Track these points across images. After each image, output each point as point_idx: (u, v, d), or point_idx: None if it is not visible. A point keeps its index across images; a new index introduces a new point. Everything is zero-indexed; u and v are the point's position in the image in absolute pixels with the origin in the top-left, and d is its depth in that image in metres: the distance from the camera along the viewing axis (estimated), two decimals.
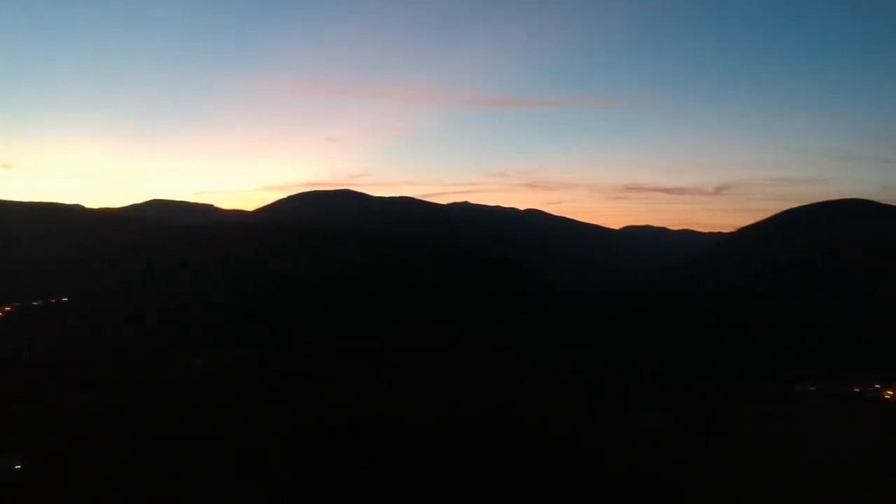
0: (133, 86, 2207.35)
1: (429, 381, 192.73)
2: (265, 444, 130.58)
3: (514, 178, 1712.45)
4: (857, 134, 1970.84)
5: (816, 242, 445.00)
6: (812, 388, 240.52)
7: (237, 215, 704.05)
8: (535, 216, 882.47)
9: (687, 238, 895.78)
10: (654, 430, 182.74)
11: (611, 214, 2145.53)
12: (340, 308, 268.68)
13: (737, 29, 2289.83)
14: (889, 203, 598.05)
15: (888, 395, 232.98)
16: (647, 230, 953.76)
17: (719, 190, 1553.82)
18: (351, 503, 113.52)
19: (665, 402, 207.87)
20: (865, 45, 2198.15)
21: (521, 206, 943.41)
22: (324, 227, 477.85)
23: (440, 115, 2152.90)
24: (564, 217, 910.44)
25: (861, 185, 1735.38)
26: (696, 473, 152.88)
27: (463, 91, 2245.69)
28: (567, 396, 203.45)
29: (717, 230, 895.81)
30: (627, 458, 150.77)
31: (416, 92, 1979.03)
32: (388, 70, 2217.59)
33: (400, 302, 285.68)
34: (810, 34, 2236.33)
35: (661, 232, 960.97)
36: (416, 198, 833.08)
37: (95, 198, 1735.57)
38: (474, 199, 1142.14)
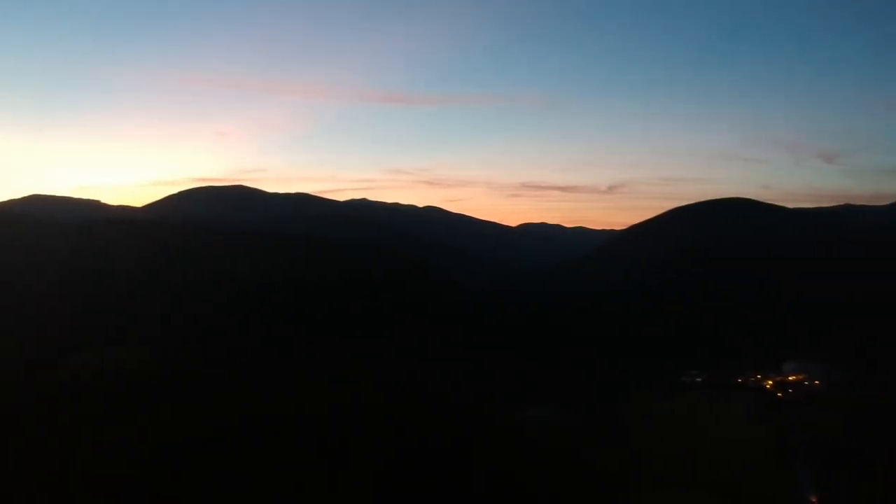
0: (13, 76, 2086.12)
1: (316, 383, 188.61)
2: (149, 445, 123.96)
3: (412, 175, 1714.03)
4: (740, 135, 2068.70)
5: (701, 239, 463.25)
6: (698, 380, 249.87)
7: (124, 211, 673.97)
8: (433, 213, 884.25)
9: (581, 236, 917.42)
10: (547, 424, 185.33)
11: (508, 212, 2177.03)
12: (229, 307, 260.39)
13: (628, 30, 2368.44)
14: (769, 202, 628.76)
15: (768, 384, 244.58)
16: (542, 227, 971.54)
17: (611, 189, 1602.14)
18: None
19: (559, 398, 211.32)
20: (750, 48, 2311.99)
21: (420, 204, 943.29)
22: (215, 223, 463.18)
23: (336, 111, 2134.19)
24: (462, 214, 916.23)
25: (743, 185, 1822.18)
26: (587, 465, 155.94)
27: (360, 87, 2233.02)
28: (463, 393, 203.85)
29: (609, 227, 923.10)
30: (522, 452, 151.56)
31: (312, 87, 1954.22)
32: (283, 64, 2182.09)
33: (292, 301, 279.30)
34: (695, 37, 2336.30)
35: (557, 229, 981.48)
36: (313, 194, 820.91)
37: None
38: (372, 195, 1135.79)
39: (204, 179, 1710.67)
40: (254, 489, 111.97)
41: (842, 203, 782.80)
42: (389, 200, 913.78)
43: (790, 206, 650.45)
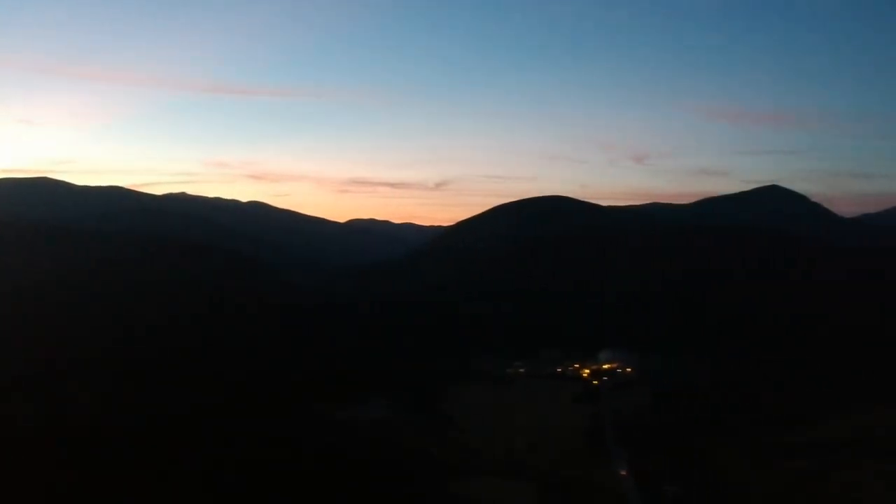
0: None
1: (133, 384, 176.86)
2: None
3: (235, 168, 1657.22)
4: (560, 136, 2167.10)
5: (524, 235, 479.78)
6: (521, 371, 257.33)
7: None
8: (258, 209, 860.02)
9: (410, 232, 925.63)
10: (375, 420, 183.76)
11: (336, 208, 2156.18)
12: (27, 307, 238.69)
13: (456, 29, 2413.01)
14: (586, 199, 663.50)
15: (585, 373, 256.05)
16: (371, 224, 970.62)
17: (439, 185, 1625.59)
18: None
19: (388, 393, 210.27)
20: (568, 52, 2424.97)
21: (243, 199, 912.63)
22: (14, 218, 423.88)
23: (154, 100, 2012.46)
24: (289, 210, 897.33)
25: (563, 183, 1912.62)
26: (414, 456, 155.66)
27: (180, 75, 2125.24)
28: (291, 391, 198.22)
29: (437, 224, 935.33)
30: (352, 449, 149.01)
31: (128, 74, 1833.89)
32: (95, 49, 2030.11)
33: (107, 302, 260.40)
34: (519, 38, 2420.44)
35: (386, 225, 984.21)
36: (127, 187, 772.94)
37: None
38: (192, 189, 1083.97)
39: (6, 170, 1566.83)
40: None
41: (651, 201, 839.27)
42: (211, 195, 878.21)
43: (605, 203, 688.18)
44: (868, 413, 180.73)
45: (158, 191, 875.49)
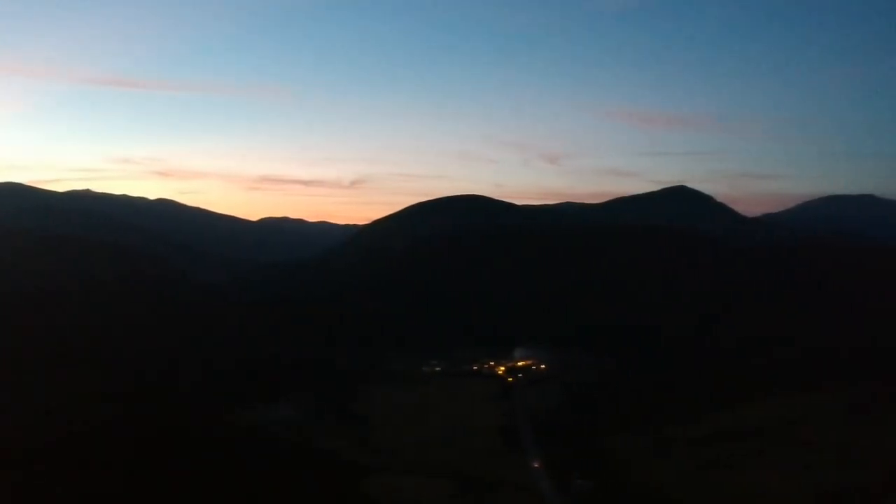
0: None
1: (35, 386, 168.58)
2: None
3: (141, 165, 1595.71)
4: (475, 136, 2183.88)
5: (440, 233, 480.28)
6: (438, 369, 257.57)
7: None
8: (166, 207, 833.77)
9: (324, 230, 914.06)
10: (283, 421, 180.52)
11: (248, 206, 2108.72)
12: None
13: (368, 26, 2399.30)
14: (501, 198, 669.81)
15: (500, 370, 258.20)
16: (284, 222, 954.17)
17: (354, 184, 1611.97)
18: None
19: (298, 393, 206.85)
20: (483, 52, 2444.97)
21: (151, 196, 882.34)
22: None
23: (55, 93, 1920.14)
24: (199, 208, 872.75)
25: (478, 182, 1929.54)
26: (329, 457, 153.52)
27: (82, 68, 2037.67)
28: (194, 394, 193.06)
29: (352, 222, 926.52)
30: (264, 451, 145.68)
31: (27, 65, 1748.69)
32: None
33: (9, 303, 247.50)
34: (433, 37, 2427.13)
35: (299, 224, 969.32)
36: (25, 184, 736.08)
37: None
38: (96, 186, 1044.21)
39: None
40: None
41: (563, 201, 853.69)
42: (117, 192, 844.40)
43: (519, 202, 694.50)
44: (764, 404, 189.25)
45: (60, 188, 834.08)
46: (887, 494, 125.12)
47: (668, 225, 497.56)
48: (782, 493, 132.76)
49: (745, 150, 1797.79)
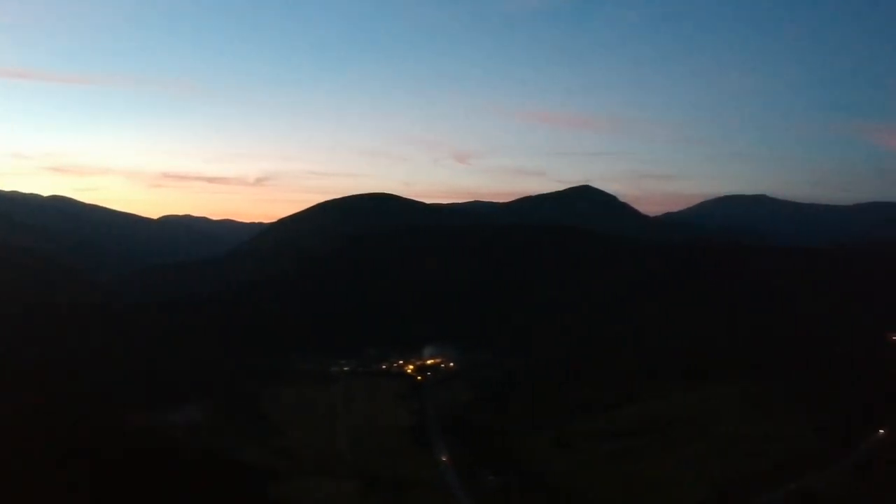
0: None
1: None
2: None
3: (34, 160, 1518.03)
4: (384, 134, 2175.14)
5: (350, 232, 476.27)
6: (346, 369, 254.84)
7: None
8: (61, 204, 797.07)
9: (228, 228, 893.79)
10: (188, 425, 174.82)
11: (149, 203, 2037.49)
12: None
13: (275, 21, 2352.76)
14: (410, 197, 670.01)
15: (409, 369, 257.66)
16: (187, 220, 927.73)
17: (260, 181, 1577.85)
18: None
19: (204, 396, 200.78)
20: (391, 51, 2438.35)
21: (44, 192, 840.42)
22: None
23: None
24: (96, 205, 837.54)
25: (387, 180, 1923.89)
26: (235, 461, 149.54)
27: None
28: (95, 398, 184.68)
29: (258, 220, 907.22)
30: (169, 457, 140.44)
31: None
32: None
33: None
34: (341, 33, 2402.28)
35: (202, 222, 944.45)
36: None
37: None
38: None
39: None
40: None
41: (472, 199, 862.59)
42: (6, 188, 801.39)
43: (428, 201, 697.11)
44: (662, 398, 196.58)
45: None
46: (779, 481, 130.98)
47: (573, 224, 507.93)
48: (681, 482, 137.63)
49: (647, 151, 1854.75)
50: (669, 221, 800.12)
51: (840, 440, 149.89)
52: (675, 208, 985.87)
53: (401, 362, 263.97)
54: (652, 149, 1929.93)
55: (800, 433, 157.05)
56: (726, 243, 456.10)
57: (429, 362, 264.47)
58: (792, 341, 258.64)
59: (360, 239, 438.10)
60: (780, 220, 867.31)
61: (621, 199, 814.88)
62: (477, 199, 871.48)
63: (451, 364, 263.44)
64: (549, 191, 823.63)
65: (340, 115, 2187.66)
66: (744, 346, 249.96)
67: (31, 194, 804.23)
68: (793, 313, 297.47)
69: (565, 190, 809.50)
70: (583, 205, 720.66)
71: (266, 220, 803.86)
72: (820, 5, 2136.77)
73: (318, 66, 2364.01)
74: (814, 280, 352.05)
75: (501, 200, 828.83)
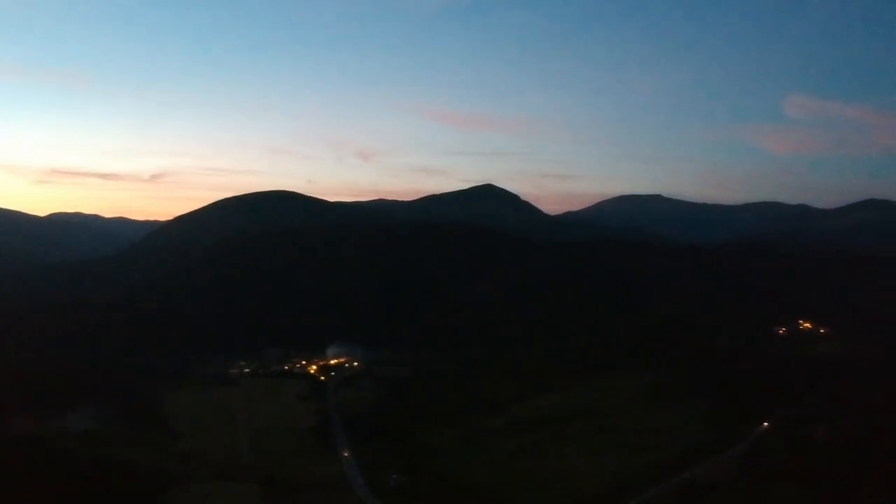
0: None
1: None
2: None
3: None
4: (286, 130, 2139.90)
5: (250, 230, 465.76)
6: (247, 371, 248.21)
7: None
8: None
9: (122, 226, 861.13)
10: (79, 432, 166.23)
11: (36, 200, 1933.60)
12: None
13: (176, 12, 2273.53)
14: (313, 195, 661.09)
15: (312, 369, 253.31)
16: (77, 217, 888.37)
17: (155, 177, 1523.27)
18: None
19: (96, 401, 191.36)
20: (297, 42, 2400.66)
21: None
22: None
23: None
24: None
25: (290, 178, 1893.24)
26: (129, 467, 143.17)
27: None
28: None
29: (153, 219, 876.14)
30: (47, 467, 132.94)
31: None
32: None
33: None
34: (241, 26, 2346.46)
35: (94, 220, 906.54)
36: None
37: None
38: None
39: None
40: None
41: (377, 198, 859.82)
42: None
43: (332, 199, 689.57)
44: (565, 392, 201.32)
45: None
46: (674, 472, 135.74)
47: (477, 223, 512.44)
48: (583, 475, 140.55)
49: (548, 152, 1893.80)
50: (570, 220, 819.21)
51: (729, 431, 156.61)
52: (575, 207, 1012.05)
53: (303, 363, 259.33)
54: (553, 149, 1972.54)
55: (693, 425, 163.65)
56: (624, 242, 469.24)
57: (332, 362, 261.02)
58: (685, 336, 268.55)
59: (260, 237, 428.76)
60: (673, 219, 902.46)
61: (523, 198, 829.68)
62: (381, 197, 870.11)
63: (356, 363, 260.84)
64: (452, 190, 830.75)
65: (240, 111, 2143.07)
66: (641, 342, 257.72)
67: None
68: (686, 309, 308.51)
69: (469, 189, 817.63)
70: (486, 204, 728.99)
71: (162, 218, 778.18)
72: (711, 13, 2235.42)
73: (217, 60, 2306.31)
74: (705, 276, 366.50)
75: (405, 199, 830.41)
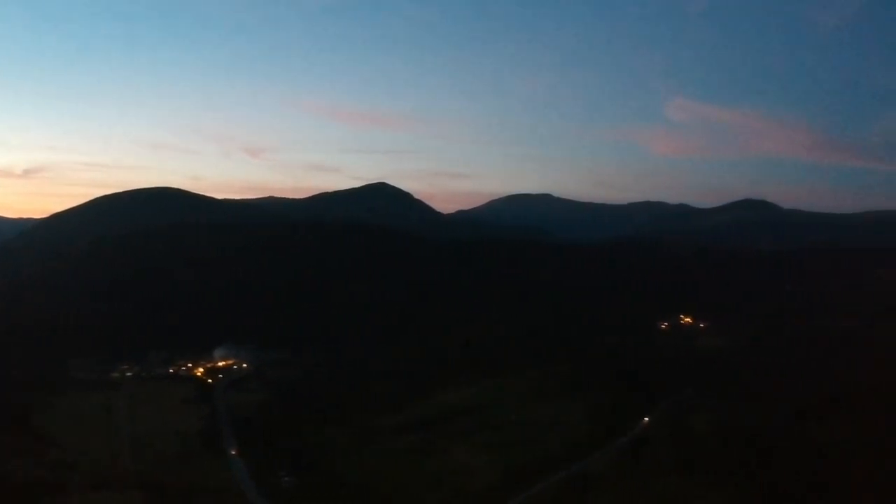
0: None
1: None
2: None
3: None
4: (169, 125, 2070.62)
5: (131, 228, 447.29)
6: (129, 374, 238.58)
7: None
8: None
9: None
10: None
11: None
12: None
13: (75, 3, 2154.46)
14: (199, 192, 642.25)
15: (199, 372, 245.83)
16: None
17: (28, 173, 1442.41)
18: None
19: None
20: (183, 36, 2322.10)
21: None
22: None
23: None
24: None
25: (173, 174, 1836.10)
26: (5, 478, 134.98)
27: None
28: None
29: (26, 216, 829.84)
30: None
31: None
32: None
33: None
34: (123, 16, 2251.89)
35: None
36: None
37: None
38: None
39: None
40: None
41: (266, 195, 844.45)
42: None
43: (219, 196, 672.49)
44: (458, 390, 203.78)
45: None
46: (561, 464, 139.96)
47: (371, 221, 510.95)
48: (474, 470, 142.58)
49: (440, 150, 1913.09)
50: (463, 219, 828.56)
51: (615, 424, 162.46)
52: (467, 206, 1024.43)
53: (190, 365, 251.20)
54: (445, 148, 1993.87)
55: (578, 419, 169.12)
56: (516, 240, 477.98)
57: (220, 364, 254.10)
58: (573, 332, 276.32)
59: (143, 236, 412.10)
60: (563, 218, 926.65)
61: (417, 196, 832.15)
62: (271, 195, 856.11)
63: (245, 365, 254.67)
64: (345, 188, 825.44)
65: (121, 104, 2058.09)
66: (531, 338, 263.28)
67: None
68: (574, 305, 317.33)
69: (362, 187, 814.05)
70: (379, 202, 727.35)
71: (37, 216, 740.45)
72: (600, 17, 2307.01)
73: (95, 49, 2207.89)
74: (593, 274, 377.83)
75: (297, 197, 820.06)
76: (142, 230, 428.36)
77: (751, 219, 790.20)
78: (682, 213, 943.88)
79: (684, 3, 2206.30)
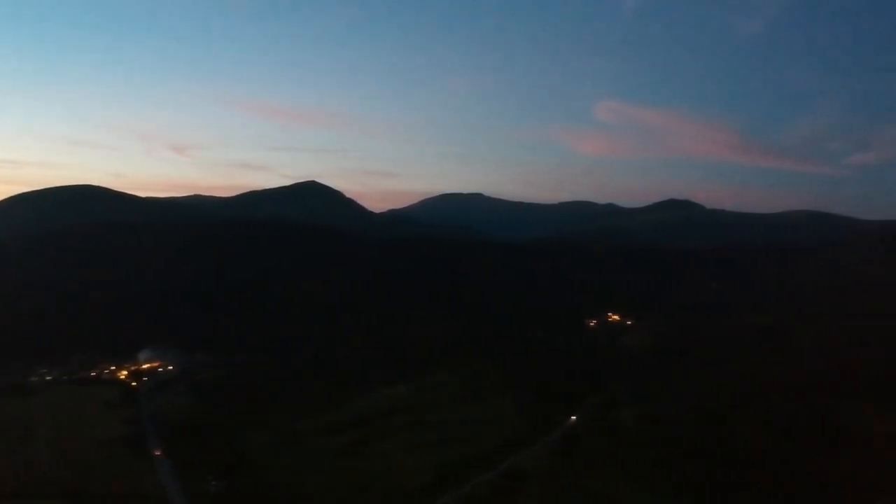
0: None
1: None
2: None
3: None
4: (89, 121, 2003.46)
5: (48, 228, 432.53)
6: (49, 378, 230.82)
7: None
8: None
9: None
10: None
11: None
12: None
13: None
14: (121, 190, 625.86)
15: (122, 375, 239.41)
16: None
17: None
18: None
19: None
20: (104, 29, 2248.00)
21: None
22: None
23: None
24: None
25: (92, 172, 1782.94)
26: None
27: None
28: None
29: None
30: None
31: None
32: None
33: None
34: (39, 6, 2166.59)
35: None
36: None
37: None
38: None
39: None
40: None
41: (192, 193, 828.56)
42: None
43: (143, 194, 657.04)
44: (385, 390, 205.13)
45: None
46: (491, 462, 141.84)
47: (300, 220, 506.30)
48: (404, 470, 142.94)
49: (371, 149, 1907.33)
50: (395, 218, 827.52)
51: (545, 421, 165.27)
52: (399, 205, 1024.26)
53: (113, 368, 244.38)
54: (376, 146, 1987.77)
55: (508, 417, 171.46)
56: (448, 239, 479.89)
57: (145, 367, 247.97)
58: (503, 330, 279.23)
59: (59, 235, 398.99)
60: (493, 217, 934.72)
61: (347, 195, 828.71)
62: (197, 193, 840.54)
63: (171, 367, 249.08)
64: (274, 186, 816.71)
65: (36, 99, 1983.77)
66: (461, 337, 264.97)
67: None
68: (505, 303, 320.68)
69: (291, 185, 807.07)
70: (310, 200, 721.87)
71: None
72: (528, 18, 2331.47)
73: (10, 45, 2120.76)
74: (523, 272, 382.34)
75: (224, 195, 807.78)
76: (63, 229, 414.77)
77: (676, 218, 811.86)
78: (610, 213, 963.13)
79: (614, 7, 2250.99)
